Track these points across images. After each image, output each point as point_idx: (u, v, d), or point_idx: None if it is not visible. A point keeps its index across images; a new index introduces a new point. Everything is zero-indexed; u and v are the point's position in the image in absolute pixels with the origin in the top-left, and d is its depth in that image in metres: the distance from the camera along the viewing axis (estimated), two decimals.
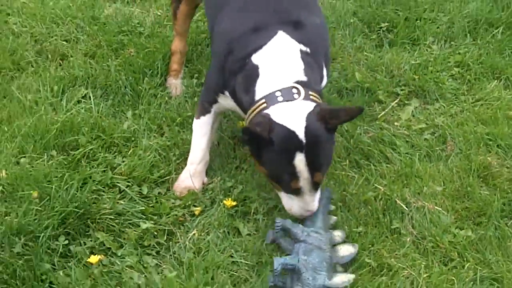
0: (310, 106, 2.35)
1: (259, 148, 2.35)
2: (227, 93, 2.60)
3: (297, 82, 2.40)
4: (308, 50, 2.48)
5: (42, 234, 2.44)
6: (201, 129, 2.78)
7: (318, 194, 2.43)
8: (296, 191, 2.37)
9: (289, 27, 2.49)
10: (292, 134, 2.28)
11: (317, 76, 2.53)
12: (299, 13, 2.58)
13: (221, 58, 2.59)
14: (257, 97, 2.41)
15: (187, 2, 3.22)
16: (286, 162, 2.30)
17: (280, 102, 2.35)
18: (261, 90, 2.41)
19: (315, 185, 2.37)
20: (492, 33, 3.89)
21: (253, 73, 2.45)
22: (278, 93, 2.37)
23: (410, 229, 2.59)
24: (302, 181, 2.33)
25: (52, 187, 2.61)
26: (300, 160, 2.29)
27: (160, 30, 3.76)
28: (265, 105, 2.37)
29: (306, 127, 2.29)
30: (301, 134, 2.28)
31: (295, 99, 2.36)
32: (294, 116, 2.31)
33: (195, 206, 2.69)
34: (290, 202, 2.44)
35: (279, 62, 2.44)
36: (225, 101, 2.67)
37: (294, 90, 2.38)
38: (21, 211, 2.52)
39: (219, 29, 2.67)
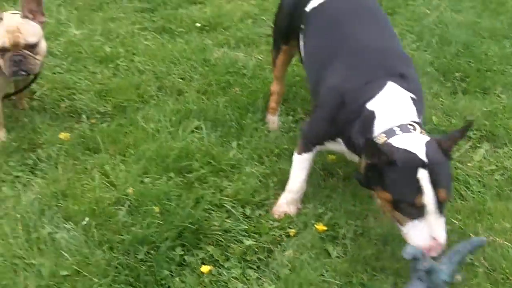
0: (426, 137, 2.31)
1: (380, 174, 2.24)
2: (339, 140, 2.59)
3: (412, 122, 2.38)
4: (414, 97, 2.45)
5: (162, 244, 2.52)
6: (302, 164, 2.79)
7: (444, 222, 2.23)
8: (421, 212, 2.18)
9: (396, 79, 2.47)
10: (413, 155, 2.20)
11: (421, 120, 2.49)
12: (402, 66, 2.57)
13: (332, 110, 2.56)
14: (375, 134, 2.37)
15: (284, 53, 3.27)
16: (409, 178, 2.18)
17: (399, 135, 2.31)
18: (379, 127, 2.36)
19: (440, 205, 2.18)
20: None
21: (369, 117, 2.40)
22: (396, 128, 2.32)
23: (482, 261, 2.55)
24: (426, 198, 2.17)
25: (171, 204, 2.70)
26: (423, 175, 2.16)
27: (260, 73, 3.83)
28: (385, 138, 2.32)
29: (426, 149, 2.21)
30: (421, 154, 2.19)
31: (412, 132, 2.32)
32: (413, 142, 2.25)
33: (290, 228, 2.72)
34: (415, 232, 2.21)
35: (393, 105, 2.40)
36: (333, 145, 2.67)
37: (410, 126, 2.34)
38: (145, 224, 2.61)
39: (329, 84, 2.62)
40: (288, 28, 3.13)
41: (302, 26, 2.95)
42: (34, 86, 3.42)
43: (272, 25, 3.42)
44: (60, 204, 2.77)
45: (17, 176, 2.96)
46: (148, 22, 4.37)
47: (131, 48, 4.05)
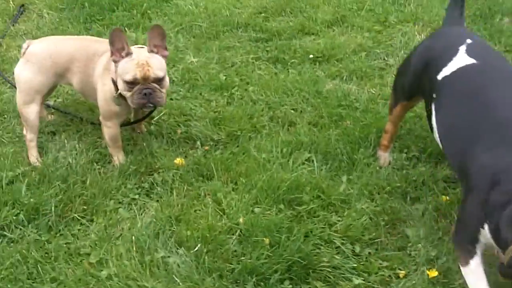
0: None
1: None
2: (486, 226, 2.26)
3: None
4: None
5: (272, 277, 2.55)
6: (475, 275, 2.39)
7: None
8: None
9: None
10: None
11: None
12: None
13: (482, 192, 2.28)
14: None
15: (403, 107, 3.18)
16: None
17: None
18: None
19: None
20: None
21: None
22: None
23: None
24: None
25: (280, 237, 2.72)
26: None
27: (373, 107, 3.79)
28: None
29: None
30: None
31: None
32: None
33: (400, 269, 2.66)
34: None
35: None
36: (484, 238, 2.31)
37: None
38: (254, 254, 2.65)
39: (478, 163, 2.37)
40: (412, 88, 3.03)
41: (433, 95, 2.74)
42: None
43: (395, 76, 3.34)
44: (173, 229, 2.86)
45: (134, 199, 3.09)
46: (262, 52, 4.44)
47: (245, 77, 4.13)
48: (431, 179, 3.21)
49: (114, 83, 3.11)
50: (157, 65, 3.05)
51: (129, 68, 2.99)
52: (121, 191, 3.11)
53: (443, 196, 3.07)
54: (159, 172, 3.24)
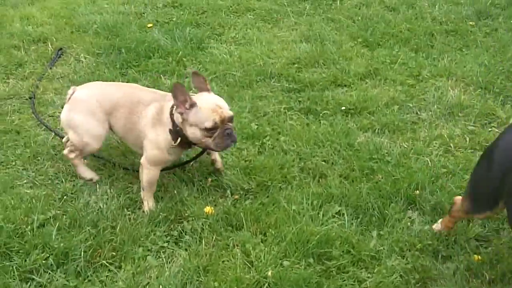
0: None
1: None
2: None
3: None
4: None
5: None
6: None
7: None
8: None
9: None
10: None
11: None
12: None
13: None
14: None
15: (484, 215, 2.86)
16: None
17: None
18: None
19: None
20: None
21: None
22: None
23: None
24: None
25: None
26: None
27: (405, 161, 3.76)
28: None
29: None
30: None
31: None
32: None
33: None
34: None
35: None
36: None
37: None
38: None
39: None
40: (496, 192, 2.60)
41: None
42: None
43: (471, 179, 2.91)
44: (201, 279, 2.84)
45: (162, 247, 3.09)
46: (294, 102, 4.46)
47: (276, 127, 4.14)
48: (463, 237, 3.15)
49: (174, 133, 3.22)
50: (226, 105, 3.22)
51: (205, 116, 3.12)
52: (150, 238, 3.11)
53: (475, 255, 3.01)
54: (188, 220, 3.24)
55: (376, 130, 4.14)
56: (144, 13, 6.10)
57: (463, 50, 5.32)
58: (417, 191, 3.47)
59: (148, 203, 3.34)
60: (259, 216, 3.26)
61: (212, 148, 3.22)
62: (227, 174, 3.63)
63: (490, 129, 4.17)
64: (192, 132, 3.17)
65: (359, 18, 5.91)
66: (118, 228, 3.15)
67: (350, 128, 4.15)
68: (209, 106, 3.14)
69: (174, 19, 5.92)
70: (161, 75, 4.77)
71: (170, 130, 3.24)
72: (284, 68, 4.91)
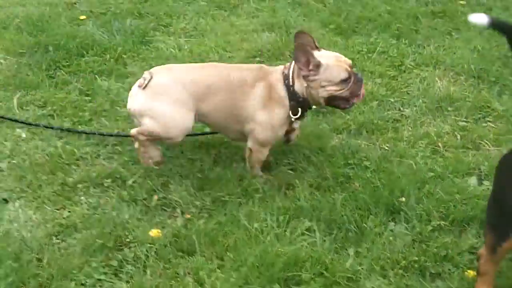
0: None
1: None
2: None
3: None
4: None
5: None
6: None
7: None
8: None
9: None
10: None
11: None
12: None
13: None
14: None
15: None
16: None
17: None
18: None
19: None
20: None
21: None
22: None
23: None
24: None
25: None
26: None
27: (386, 166, 3.81)
28: None
29: None
30: None
31: None
32: None
33: None
34: None
35: None
36: None
37: None
38: None
39: None
40: None
41: None
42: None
43: (496, 199, 2.89)
44: None
45: (99, 279, 3.06)
46: None
47: None
48: (454, 251, 3.19)
49: (295, 105, 3.60)
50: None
51: (336, 69, 3.55)
52: (84, 271, 3.08)
53: (469, 271, 3.05)
54: (130, 247, 3.22)
55: (352, 131, 4.19)
56: (76, 3, 6.10)
57: (453, 34, 5.44)
58: (403, 198, 3.51)
59: (260, 176, 3.74)
60: (215, 237, 3.26)
61: (342, 103, 3.65)
62: (177, 189, 3.63)
63: (485, 124, 4.25)
64: (326, 91, 3.55)
65: (331, 1, 5.98)
66: (46, 260, 3.11)
67: (322, 130, 4.19)
68: (333, 59, 3.58)
69: (111, 9, 5.92)
70: (97, 76, 4.76)
71: (292, 105, 3.59)
72: (243, 62, 4.94)
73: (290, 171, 3.81)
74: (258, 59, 5.03)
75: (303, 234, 3.32)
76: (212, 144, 4.02)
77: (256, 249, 3.14)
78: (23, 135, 4.07)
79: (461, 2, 5.92)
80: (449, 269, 3.10)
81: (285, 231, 3.32)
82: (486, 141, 4.06)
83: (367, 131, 4.18)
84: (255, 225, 3.33)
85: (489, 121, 4.30)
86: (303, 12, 5.79)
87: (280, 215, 3.41)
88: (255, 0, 6.05)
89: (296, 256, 3.10)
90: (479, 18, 2.58)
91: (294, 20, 5.60)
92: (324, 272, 3.04)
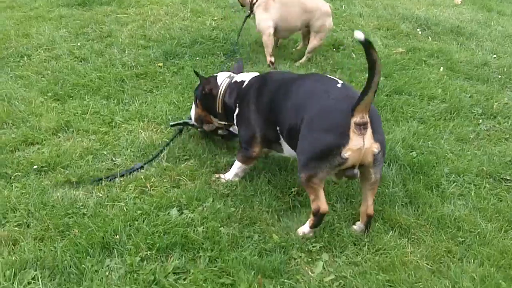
0: None
1: None
2: None
3: None
4: None
5: None
6: None
7: None
8: None
9: None
10: None
11: None
12: None
13: None
14: None
15: None
16: None
17: None
18: None
19: None
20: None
21: None
22: None
23: None
24: None
25: None
26: None
27: (101, 210, 3.77)
28: None
29: None
30: None
31: None
32: None
33: None
34: None
35: None
36: None
37: None
38: None
39: None
40: None
41: None
42: None
43: None
44: None
45: None
46: None
47: None
48: (162, 274, 3.25)
49: None
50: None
51: None
52: None
53: None
54: None
55: (73, 184, 4.09)
56: None
57: (154, 91, 5.55)
58: (117, 236, 3.50)
59: None
60: None
61: None
62: None
63: (184, 164, 4.38)
64: None
65: (49, 72, 5.82)
66: None
67: (45, 187, 4.03)
68: None
69: None
70: None
71: None
72: None
73: (17, 228, 3.61)
74: None
75: (29, 283, 3.16)
76: None
77: None
78: None
79: (160, 64, 6.09)
80: None
81: (13, 283, 3.14)
82: (184, 177, 4.19)
83: (85, 182, 4.10)
84: None
85: (186, 159, 4.45)
86: (24, 84, 5.55)
87: (6, 270, 3.22)
88: None
89: None
90: (359, 34, 2.95)
91: (15, 91, 5.34)
92: None
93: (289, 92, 3.66)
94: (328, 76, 3.83)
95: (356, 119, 3.21)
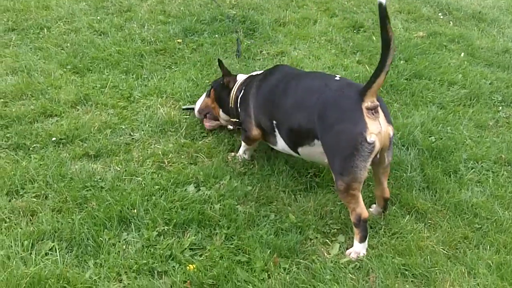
0: None
1: None
2: None
3: None
4: None
5: None
6: None
7: None
8: None
9: None
10: None
11: None
12: None
13: None
14: None
15: None
16: None
17: None
18: None
19: None
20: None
21: None
22: None
23: None
24: None
25: None
26: None
27: (119, 184, 3.77)
28: None
29: None
30: None
31: None
32: None
33: None
34: None
35: None
36: None
37: None
38: None
39: None
40: None
41: None
42: None
43: None
44: None
45: None
46: (2, 139, 4.20)
47: None
48: (178, 250, 3.25)
49: None
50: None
51: None
52: None
53: (190, 265, 3.12)
54: None
55: (91, 157, 4.09)
56: None
57: (172, 67, 5.52)
58: (134, 211, 3.50)
59: None
60: None
61: None
62: None
63: (201, 141, 4.36)
64: None
65: (68, 45, 5.80)
66: None
67: (63, 159, 4.03)
68: None
69: None
70: None
71: None
72: None
73: (34, 199, 3.62)
74: (2, 100, 4.71)
75: (46, 254, 3.18)
76: None
77: (3, 274, 2.94)
78: None
79: (179, 41, 6.04)
80: (173, 267, 3.15)
81: (31, 254, 3.15)
82: (202, 154, 4.18)
83: (102, 156, 4.10)
84: (1, 252, 3.12)
85: (204, 136, 4.43)
86: (43, 56, 5.53)
87: (24, 240, 3.23)
88: (0, 48, 5.66)
89: (39, 275, 2.95)
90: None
91: (35, 63, 5.33)
92: (66, 286, 2.94)
93: (288, 89, 3.61)
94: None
95: (367, 103, 3.15)
